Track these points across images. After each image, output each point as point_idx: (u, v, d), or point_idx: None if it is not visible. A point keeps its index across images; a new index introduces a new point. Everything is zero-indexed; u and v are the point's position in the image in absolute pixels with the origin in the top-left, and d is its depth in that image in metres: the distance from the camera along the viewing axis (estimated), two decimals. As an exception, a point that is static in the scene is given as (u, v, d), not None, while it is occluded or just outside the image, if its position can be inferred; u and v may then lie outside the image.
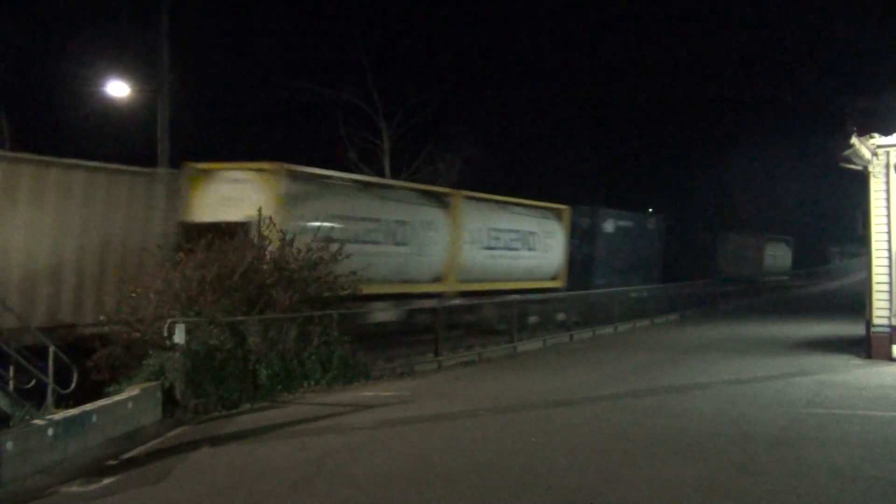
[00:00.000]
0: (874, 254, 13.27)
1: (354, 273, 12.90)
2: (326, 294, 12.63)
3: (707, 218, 47.53)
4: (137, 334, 10.88)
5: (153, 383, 9.67)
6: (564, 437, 8.38)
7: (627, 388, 11.39)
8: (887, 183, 13.14)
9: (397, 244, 16.41)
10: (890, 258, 13.09)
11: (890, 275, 13.08)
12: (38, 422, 7.45)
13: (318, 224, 14.04)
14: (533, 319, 18.16)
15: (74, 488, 6.80)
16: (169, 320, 10.21)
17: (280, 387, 11.05)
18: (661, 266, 30.78)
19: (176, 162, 19.95)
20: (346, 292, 12.86)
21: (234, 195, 13.85)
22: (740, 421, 8.82)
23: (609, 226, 27.60)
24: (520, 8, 53.82)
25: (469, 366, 14.37)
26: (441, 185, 30.92)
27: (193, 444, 8.32)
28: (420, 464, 7.34)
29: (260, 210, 12.72)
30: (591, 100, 54.73)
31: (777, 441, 7.84)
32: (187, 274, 11.26)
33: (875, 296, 13.22)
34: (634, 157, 50.11)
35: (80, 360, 9.88)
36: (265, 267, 12.03)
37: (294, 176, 14.33)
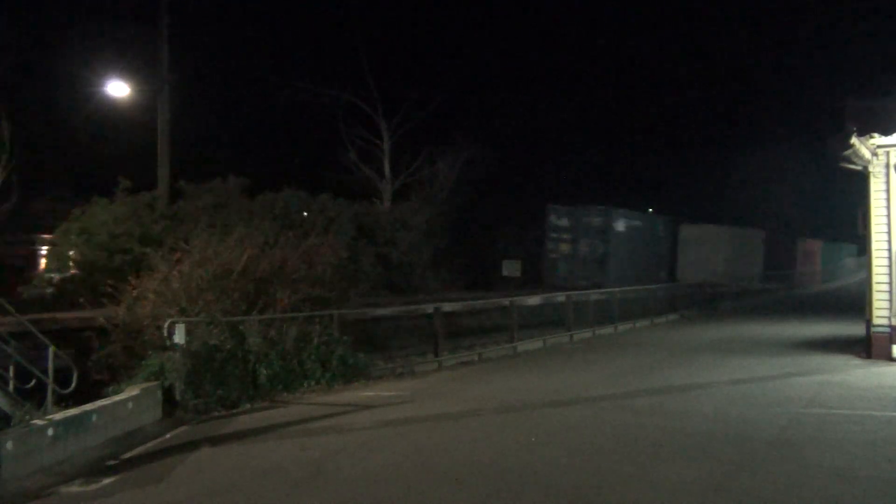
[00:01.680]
0: (874, 254, 13.26)
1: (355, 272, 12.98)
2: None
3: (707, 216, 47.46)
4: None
5: (153, 383, 9.69)
6: (564, 437, 8.38)
7: (627, 387, 11.38)
8: (887, 183, 13.13)
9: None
10: (890, 258, 13.08)
11: (890, 275, 13.07)
12: (38, 422, 7.46)
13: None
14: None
15: (74, 488, 6.81)
16: (169, 320, 10.22)
17: (280, 387, 11.06)
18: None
19: (176, 160, 19.93)
20: None
21: None
22: (740, 421, 8.82)
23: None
24: (521, 8, 53.83)
25: (469, 366, 14.37)
26: (442, 185, 30.97)
27: (193, 444, 8.33)
28: (420, 464, 7.35)
29: None
30: (591, 99, 54.77)
31: (777, 441, 7.84)
32: (185, 273, 11.26)
33: (875, 296, 13.21)
34: (635, 156, 50.10)
35: (81, 360, 9.89)
36: (263, 265, 12.03)
37: None
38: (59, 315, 12.82)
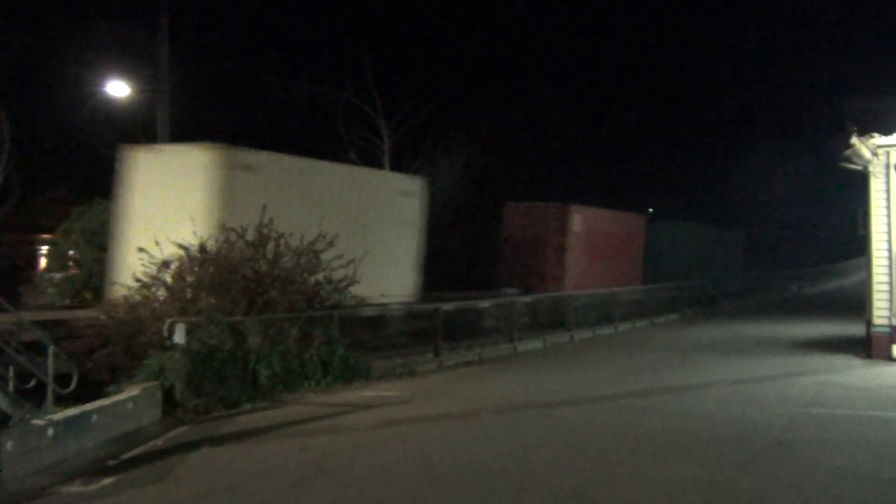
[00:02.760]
0: (874, 254, 13.27)
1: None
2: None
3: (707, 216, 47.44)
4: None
5: (153, 383, 9.67)
6: (564, 437, 8.38)
7: (627, 388, 11.39)
8: (887, 183, 13.14)
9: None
10: (890, 258, 13.09)
11: (890, 275, 13.08)
12: (38, 422, 7.45)
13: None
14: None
15: (74, 488, 6.81)
16: (169, 320, 10.20)
17: (280, 387, 11.05)
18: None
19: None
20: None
21: None
22: (740, 421, 8.82)
23: None
24: (521, 8, 53.82)
25: (469, 366, 14.36)
26: (442, 185, 30.94)
27: (193, 444, 8.32)
28: (420, 464, 7.34)
29: None
30: (591, 99, 54.77)
31: (777, 441, 7.84)
32: (185, 276, 11.25)
33: (875, 296, 13.22)
34: (635, 156, 50.08)
35: (81, 360, 9.87)
36: (263, 266, 12.02)
37: None
38: (60, 315, 12.78)
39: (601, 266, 24.16)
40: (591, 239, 23.84)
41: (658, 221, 31.85)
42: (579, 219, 23.29)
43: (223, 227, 12.25)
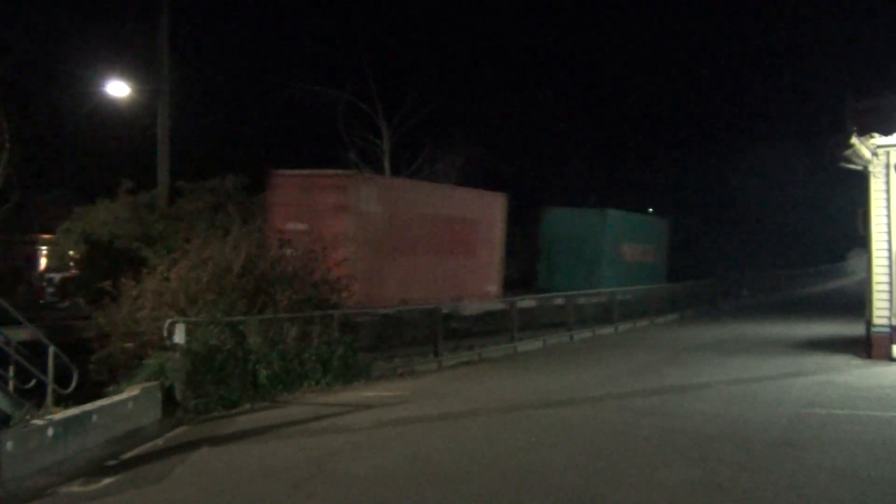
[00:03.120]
0: (874, 254, 13.27)
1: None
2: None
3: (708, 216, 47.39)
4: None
5: (153, 383, 9.68)
6: (564, 437, 8.38)
7: (628, 388, 11.38)
8: (887, 183, 13.14)
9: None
10: (890, 258, 13.08)
11: (890, 275, 13.07)
12: (38, 422, 7.45)
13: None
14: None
15: (74, 488, 6.81)
16: (169, 320, 10.21)
17: (280, 387, 11.05)
18: None
19: (177, 158, 19.86)
20: None
21: None
22: (740, 421, 8.82)
23: None
24: (521, 7, 53.85)
25: (469, 366, 14.37)
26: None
27: (193, 444, 8.32)
28: (420, 464, 7.35)
29: None
30: (591, 99, 54.78)
31: (777, 441, 7.84)
32: (184, 273, 11.26)
33: (875, 296, 13.21)
34: (635, 156, 50.05)
35: (81, 360, 9.88)
36: (262, 265, 12.04)
37: None
38: (61, 318, 12.77)
39: (417, 266, 17.18)
40: (397, 225, 16.74)
41: (552, 208, 26.06)
42: (373, 194, 16.25)
43: None
